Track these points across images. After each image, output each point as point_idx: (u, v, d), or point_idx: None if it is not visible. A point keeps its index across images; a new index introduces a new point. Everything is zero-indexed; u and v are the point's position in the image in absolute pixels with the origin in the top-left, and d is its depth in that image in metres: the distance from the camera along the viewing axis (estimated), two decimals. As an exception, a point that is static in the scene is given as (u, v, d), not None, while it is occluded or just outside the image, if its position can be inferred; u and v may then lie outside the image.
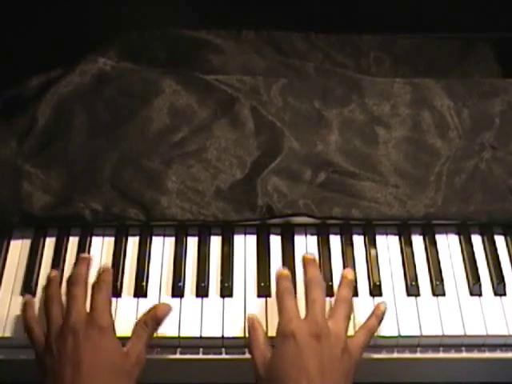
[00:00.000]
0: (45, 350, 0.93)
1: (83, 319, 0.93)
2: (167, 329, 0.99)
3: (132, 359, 0.93)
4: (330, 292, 1.01)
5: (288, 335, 0.91)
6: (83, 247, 1.07)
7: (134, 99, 1.19)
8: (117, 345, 0.93)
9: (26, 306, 0.99)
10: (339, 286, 0.99)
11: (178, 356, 0.99)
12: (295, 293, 0.99)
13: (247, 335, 0.96)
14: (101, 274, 1.00)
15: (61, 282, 1.02)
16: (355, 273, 1.03)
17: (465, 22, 1.28)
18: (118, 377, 0.91)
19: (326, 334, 0.92)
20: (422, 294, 1.02)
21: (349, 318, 0.96)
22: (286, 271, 1.00)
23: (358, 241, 1.07)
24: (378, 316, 0.98)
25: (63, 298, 0.98)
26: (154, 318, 0.96)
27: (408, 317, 1.00)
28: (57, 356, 0.91)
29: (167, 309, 0.97)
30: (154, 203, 1.07)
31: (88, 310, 0.95)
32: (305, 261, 1.01)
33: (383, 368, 1.02)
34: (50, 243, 1.07)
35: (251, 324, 0.96)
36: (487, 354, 1.00)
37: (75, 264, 1.02)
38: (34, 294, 1.02)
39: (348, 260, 1.05)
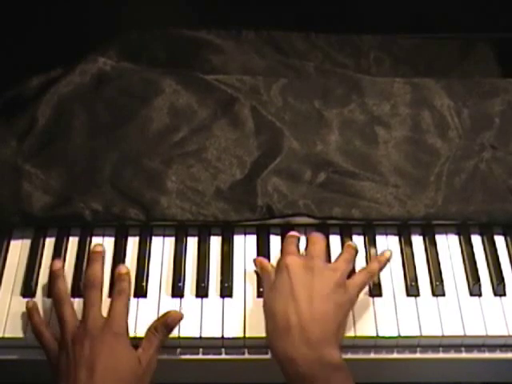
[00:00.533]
0: (59, 352, 0.94)
1: (100, 324, 0.94)
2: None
3: (143, 365, 0.93)
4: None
5: (282, 267, 0.97)
6: (83, 247, 1.06)
7: (134, 99, 1.19)
8: (131, 351, 0.94)
9: (31, 312, 0.99)
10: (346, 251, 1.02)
11: (177, 356, 0.99)
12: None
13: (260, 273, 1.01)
14: (122, 280, 1.00)
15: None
16: (355, 273, 1.03)
17: (465, 22, 1.28)
18: (130, 382, 0.92)
19: (320, 267, 0.97)
20: (421, 295, 1.02)
21: (351, 262, 1.00)
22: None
23: (358, 241, 1.07)
24: (380, 261, 1.01)
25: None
26: (165, 324, 0.97)
27: (408, 317, 1.00)
28: (72, 359, 0.91)
29: (178, 316, 0.97)
30: (154, 203, 1.07)
31: (105, 314, 0.96)
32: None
33: (383, 368, 1.02)
34: (49, 243, 1.08)
35: (259, 264, 1.02)
36: (487, 355, 1.00)
37: (89, 260, 1.02)
38: (33, 295, 1.02)
39: (348, 260, 1.05)
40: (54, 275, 1.00)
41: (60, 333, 0.95)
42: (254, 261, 1.04)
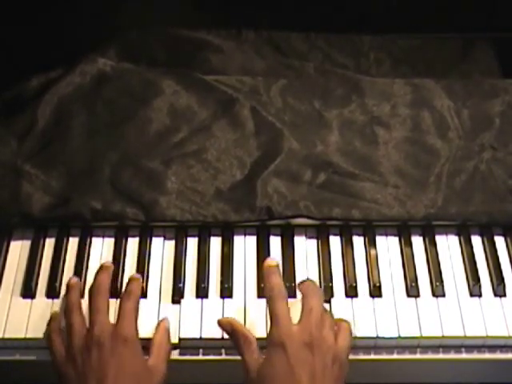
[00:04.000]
0: (67, 361, 0.93)
1: (108, 331, 0.93)
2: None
3: (154, 373, 0.93)
4: (329, 293, 1.02)
5: (278, 345, 0.90)
6: (83, 248, 1.07)
7: (134, 99, 1.19)
8: (141, 358, 0.93)
9: (52, 317, 0.99)
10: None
11: (177, 357, 0.99)
12: (295, 296, 1.00)
13: (236, 339, 0.94)
14: (130, 283, 1.00)
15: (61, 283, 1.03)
16: (355, 273, 1.04)
17: (465, 22, 1.28)
18: None
19: (319, 343, 0.90)
20: (421, 295, 1.03)
21: (333, 328, 0.94)
22: (275, 262, 0.99)
23: (358, 242, 1.07)
24: (344, 319, 0.97)
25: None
26: (167, 333, 0.97)
27: (408, 318, 1.00)
28: (81, 368, 0.91)
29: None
30: (154, 203, 1.07)
31: (112, 320, 0.95)
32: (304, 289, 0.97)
33: (383, 369, 1.02)
34: (49, 244, 1.07)
35: (240, 330, 0.95)
36: (487, 355, 1.00)
37: (98, 271, 1.01)
38: (33, 295, 1.02)
39: (348, 261, 1.05)
40: (69, 286, 1.01)
41: (68, 341, 0.94)
42: (230, 323, 0.96)
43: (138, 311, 0.97)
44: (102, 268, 1.02)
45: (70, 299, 0.99)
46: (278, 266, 0.99)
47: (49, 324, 0.98)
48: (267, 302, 0.95)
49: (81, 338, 0.93)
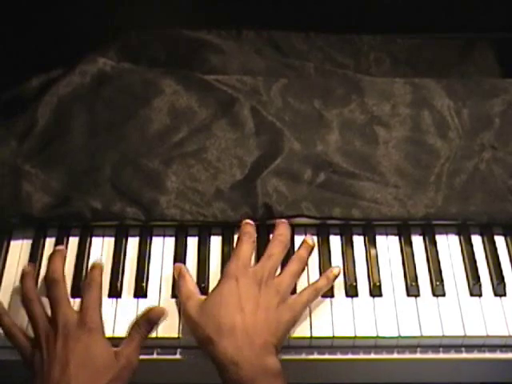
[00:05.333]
0: (32, 353, 0.94)
1: (71, 320, 0.94)
2: (167, 329, 0.99)
3: (122, 361, 0.93)
4: (329, 291, 1.02)
5: (232, 277, 0.97)
6: (83, 247, 1.07)
7: (134, 99, 1.19)
8: (106, 346, 0.94)
9: (0, 315, 0.98)
10: (299, 248, 1.04)
11: (177, 357, 0.99)
12: (295, 289, 1.01)
13: (177, 283, 1.01)
14: (91, 271, 1.00)
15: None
16: (355, 273, 1.04)
17: (465, 22, 1.28)
18: (106, 379, 0.91)
19: (268, 284, 0.97)
20: (421, 295, 1.02)
21: (297, 276, 1.01)
22: (251, 221, 1.05)
23: (358, 241, 1.07)
24: (328, 278, 1.01)
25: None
26: (148, 320, 0.97)
27: (408, 317, 1.00)
28: (46, 357, 0.92)
29: (161, 312, 0.98)
30: (154, 203, 1.07)
31: (74, 307, 0.96)
32: (279, 222, 1.05)
33: (383, 368, 1.02)
34: (50, 243, 1.07)
35: (181, 272, 1.01)
36: (487, 355, 1.00)
37: (49, 258, 1.02)
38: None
39: (348, 260, 1.05)
40: (22, 275, 1.01)
41: (33, 332, 0.95)
42: (175, 267, 1.03)
43: (101, 299, 0.98)
44: (54, 254, 1.02)
45: (25, 287, 0.99)
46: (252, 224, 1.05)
47: (3, 323, 0.98)
48: (236, 242, 1.03)
49: (44, 329, 0.94)
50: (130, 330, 0.96)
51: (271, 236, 1.05)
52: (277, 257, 1.01)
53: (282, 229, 1.04)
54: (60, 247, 1.04)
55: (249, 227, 1.04)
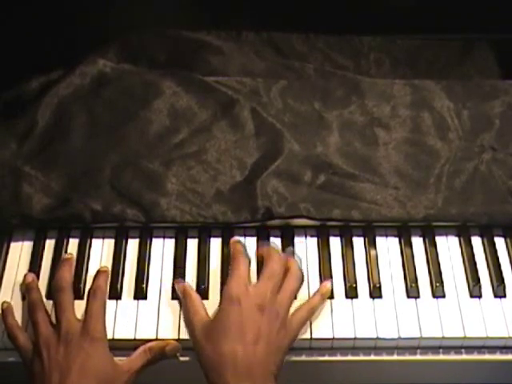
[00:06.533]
0: (33, 357, 0.93)
1: (75, 328, 0.94)
2: (167, 331, 0.99)
3: (124, 375, 0.93)
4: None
5: (235, 299, 0.95)
6: (83, 249, 1.07)
7: (134, 100, 1.19)
8: (108, 357, 0.93)
9: (5, 314, 0.99)
10: (292, 266, 1.01)
11: (177, 357, 0.99)
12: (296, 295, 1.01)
13: (183, 301, 0.99)
14: (97, 277, 1.00)
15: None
16: (355, 274, 1.04)
17: (465, 23, 1.28)
18: None
19: (270, 308, 0.96)
20: (421, 296, 1.02)
21: (295, 295, 1.00)
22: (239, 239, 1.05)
23: (358, 242, 1.07)
24: (322, 294, 1.00)
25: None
26: (161, 351, 0.97)
27: (408, 319, 1.00)
28: (46, 362, 0.91)
29: (177, 349, 0.98)
30: (154, 205, 1.07)
31: (78, 316, 0.96)
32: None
33: (383, 370, 1.02)
34: (50, 245, 1.08)
35: (185, 291, 1.00)
36: (487, 356, 1.00)
37: (58, 266, 1.02)
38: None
39: (348, 262, 1.05)
40: (27, 288, 1.01)
41: (35, 338, 0.95)
42: (179, 286, 1.02)
43: (105, 308, 0.97)
44: (62, 262, 1.02)
45: (31, 298, 0.99)
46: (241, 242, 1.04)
47: (5, 321, 0.98)
48: (230, 261, 1.01)
49: (46, 335, 0.94)
50: (140, 350, 0.96)
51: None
52: (277, 276, 0.99)
53: (269, 249, 1.03)
54: (68, 255, 1.04)
55: (239, 245, 1.03)
